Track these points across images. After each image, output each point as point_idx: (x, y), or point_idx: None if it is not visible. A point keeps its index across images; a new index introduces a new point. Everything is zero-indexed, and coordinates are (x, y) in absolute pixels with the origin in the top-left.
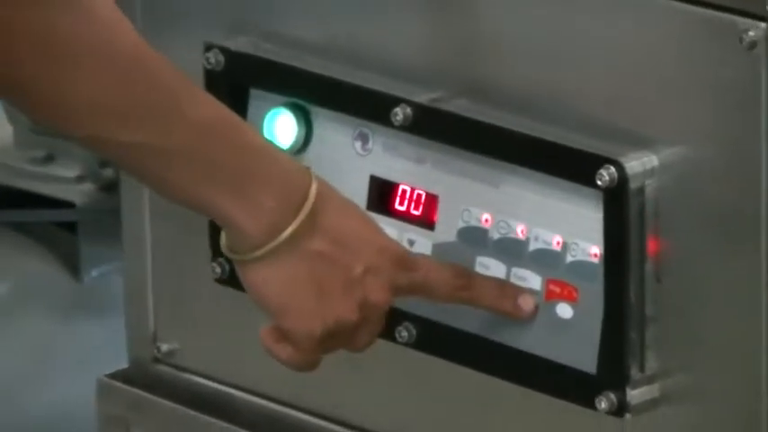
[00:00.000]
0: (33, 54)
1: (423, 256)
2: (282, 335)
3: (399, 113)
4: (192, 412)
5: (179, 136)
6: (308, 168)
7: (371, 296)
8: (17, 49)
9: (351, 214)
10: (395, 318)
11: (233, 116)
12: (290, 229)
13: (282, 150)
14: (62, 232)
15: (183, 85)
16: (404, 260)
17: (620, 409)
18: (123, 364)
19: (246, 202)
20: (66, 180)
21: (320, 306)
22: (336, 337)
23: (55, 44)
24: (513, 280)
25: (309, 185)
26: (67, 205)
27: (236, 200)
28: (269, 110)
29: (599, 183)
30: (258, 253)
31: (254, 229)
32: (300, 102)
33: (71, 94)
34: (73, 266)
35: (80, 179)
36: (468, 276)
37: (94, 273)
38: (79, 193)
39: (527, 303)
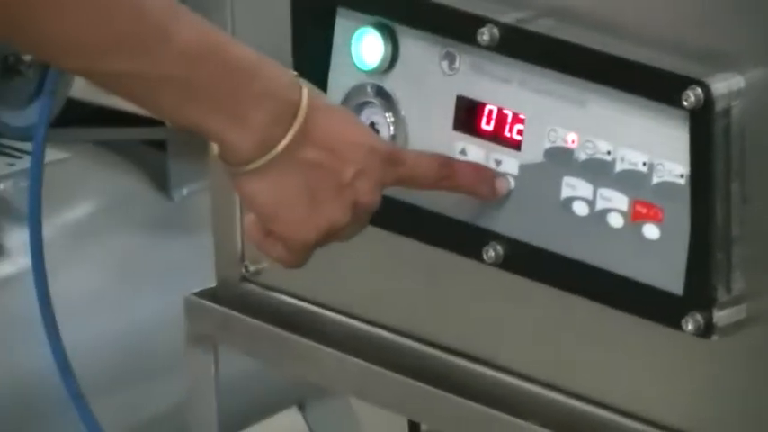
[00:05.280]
0: None
1: (408, 150)
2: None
3: (486, 33)
4: (279, 331)
5: (166, 63)
6: (297, 78)
7: (362, 198)
8: None
9: (340, 119)
10: (482, 237)
11: (219, 35)
12: (282, 143)
13: (271, 62)
14: (152, 150)
15: (168, 12)
16: (391, 157)
17: (706, 330)
18: (211, 283)
19: (237, 120)
20: None
21: (313, 213)
22: (327, 238)
23: None
24: (599, 201)
25: (300, 97)
26: (158, 123)
27: (227, 119)
28: (356, 30)
29: (685, 104)
30: (251, 166)
31: (247, 145)
32: (387, 21)
33: (56, 32)
34: (162, 184)
35: None
36: (450, 165)
37: (184, 191)
38: None
39: (501, 186)
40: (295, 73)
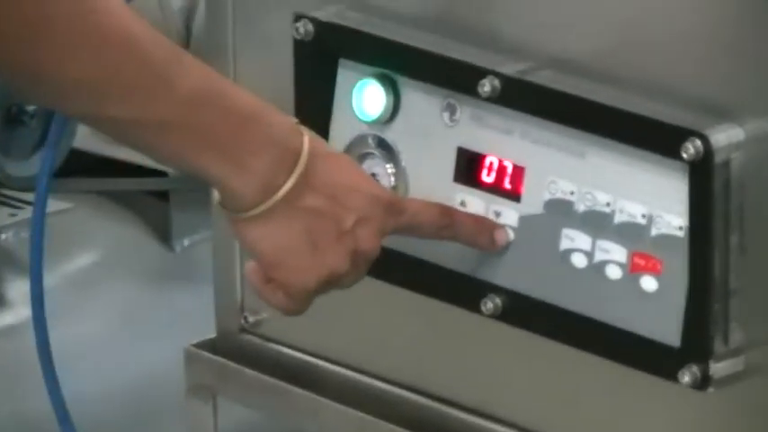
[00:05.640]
0: (22, 39)
1: (409, 198)
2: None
3: (487, 85)
4: (278, 382)
5: (169, 109)
6: (299, 125)
7: (362, 245)
8: (7, 33)
9: (341, 166)
10: (480, 289)
11: (222, 81)
12: (283, 189)
13: (273, 107)
14: (154, 201)
15: (172, 59)
16: (392, 205)
17: (703, 383)
18: (212, 334)
19: (239, 166)
20: None
21: (314, 260)
22: (328, 287)
23: (44, 30)
24: (598, 252)
25: (301, 143)
26: (160, 174)
27: (229, 165)
28: (358, 80)
29: (684, 155)
30: (253, 213)
31: (248, 191)
32: (389, 72)
33: (59, 74)
34: (164, 235)
35: None
36: (450, 215)
37: (186, 242)
38: None
39: (500, 237)
40: (296, 120)
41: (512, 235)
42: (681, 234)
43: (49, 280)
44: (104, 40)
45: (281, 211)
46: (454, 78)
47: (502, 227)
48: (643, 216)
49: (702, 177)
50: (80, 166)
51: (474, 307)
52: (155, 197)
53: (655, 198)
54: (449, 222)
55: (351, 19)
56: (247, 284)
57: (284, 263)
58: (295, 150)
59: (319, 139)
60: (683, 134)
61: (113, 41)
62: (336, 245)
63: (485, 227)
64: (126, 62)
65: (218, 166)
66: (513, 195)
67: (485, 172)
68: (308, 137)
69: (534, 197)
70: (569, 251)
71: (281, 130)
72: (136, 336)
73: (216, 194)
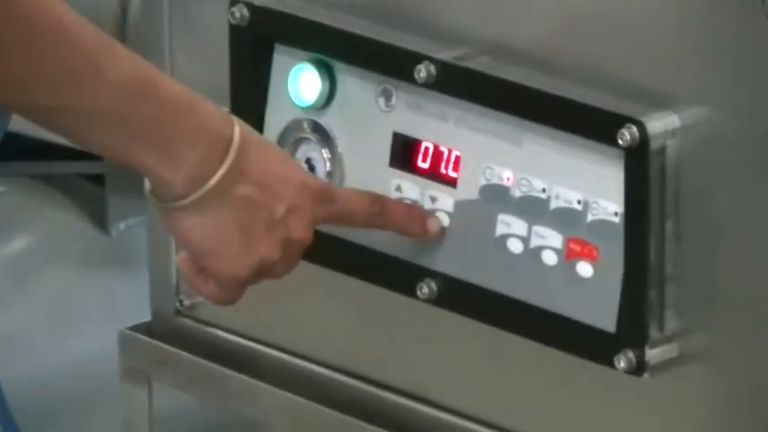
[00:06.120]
0: None
1: (340, 187)
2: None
3: (423, 70)
4: (214, 365)
5: (99, 98)
6: (230, 115)
7: (293, 234)
8: None
9: (272, 156)
10: (416, 274)
11: (152, 72)
12: (214, 179)
13: (203, 99)
14: (90, 185)
15: (103, 49)
16: (323, 194)
17: (638, 368)
18: (149, 317)
19: (169, 156)
20: None
21: (246, 249)
22: (260, 275)
23: None
24: (534, 238)
25: (232, 134)
26: (95, 158)
27: (159, 155)
28: (293, 65)
29: (620, 142)
30: (183, 202)
31: (179, 181)
32: (324, 58)
33: None
34: (100, 219)
35: None
36: (381, 202)
37: (122, 225)
38: None
39: (433, 225)
40: (227, 109)
41: (448, 220)
42: (617, 220)
43: None
44: (31, 30)
45: (212, 201)
46: (390, 64)
47: (434, 216)
48: (579, 202)
49: (638, 164)
50: (14, 150)
51: (410, 291)
52: (90, 181)
53: (591, 184)
54: (379, 210)
55: (286, 4)
56: (180, 273)
57: (215, 252)
58: (226, 140)
59: (250, 129)
60: (620, 121)
61: (40, 30)
62: (268, 234)
63: (416, 215)
64: (48, 49)
65: (149, 156)
66: (449, 181)
67: (420, 157)
68: (238, 127)
69: (470, 183)
70: (505, 236)
71: (212, 120)
72: (72, 320)
73: (147, 183)
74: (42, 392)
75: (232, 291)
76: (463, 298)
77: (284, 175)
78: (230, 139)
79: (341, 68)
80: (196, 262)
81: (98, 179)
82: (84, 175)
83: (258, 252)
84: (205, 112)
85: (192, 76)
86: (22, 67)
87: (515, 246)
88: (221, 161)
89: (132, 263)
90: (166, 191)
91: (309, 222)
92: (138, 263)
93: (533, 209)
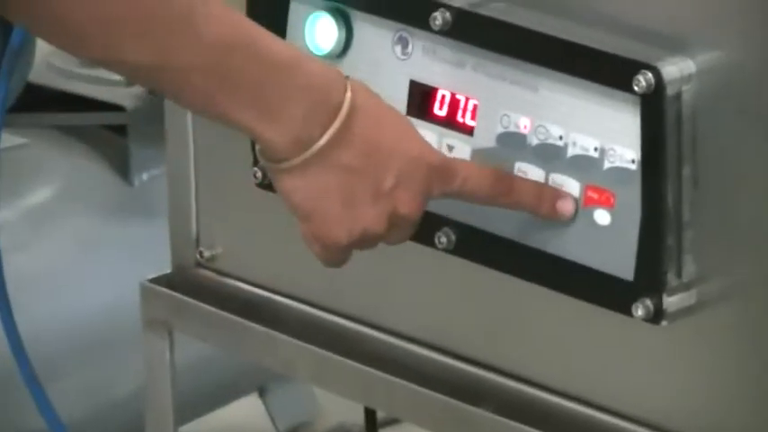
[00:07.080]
0: None
1: (462, 160)
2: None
3: (438, 17)
4: (233, 317)
5: (193, 55)
6: (345, 78)
7: (401, 208)
8: None
9: (386, 123)
10: (434, 223)
11: (253, 29)
12: (318, 144)
13: (316, 59)
14: (113, 136)
15: (197, 4)
16: (441, 170)
17: (656, 316)
18: (169, 267)
19: (270, 116)
20: (116, 83)
21: (347, 216)
22: (364, 243)
23: None
24: (551, 185)
25: (343, 97)
26: (118, 108)
27: (259, 114)
28: (309, 13)
29: (636, 88)
30: (286, 165)
31: (281, 142)
32: (340, 5)
33: (78, 14)
34: (123, 169)
35: (130, 82)
36: (507, 181)
37: (144, 176)
38: (129, 97)
39: (566, 206)
40: (344, 73)
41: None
42: (633, 167)
43: (6, 214)
44: None
45: (315, 166)
46: (406, 11)
47: (566, 195)
48: (596, 149)
49: (654, 110)
50: (36, 101)
51: (428, 241)
52: (113, 132)
53: (607, 131)
54: (506, 189)
55: None
56: (300, 249)
57: (314, 216)
58: (334, 103)
59: (369, 95)
60: (635, 67)
61: None
62: (372, 204)
63: (547, 195)
64: (145, 7)
65: (247, 114)
66: (466, 129)
67: (437, 105)
68: (351, 92)
69: (487, 131)
70: None
71: (320, 80)
72: (94, 269)
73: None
74: (62, 340)
75: (333, 254)
76: (481, 247)
77: (397, 147)
78: (339, 103)
79: (357, 16)
80: (299, 222)
81: (121, 130)
82: (107, 126)
83: (360, 221)
84: (311, 71)
85: None
86: (116, 15)
87: None
88: (327, 125)
89: (155, 213)
90: (269, 152)
91: (421, 197)
92: (160, 212)
93: (550, 156)
